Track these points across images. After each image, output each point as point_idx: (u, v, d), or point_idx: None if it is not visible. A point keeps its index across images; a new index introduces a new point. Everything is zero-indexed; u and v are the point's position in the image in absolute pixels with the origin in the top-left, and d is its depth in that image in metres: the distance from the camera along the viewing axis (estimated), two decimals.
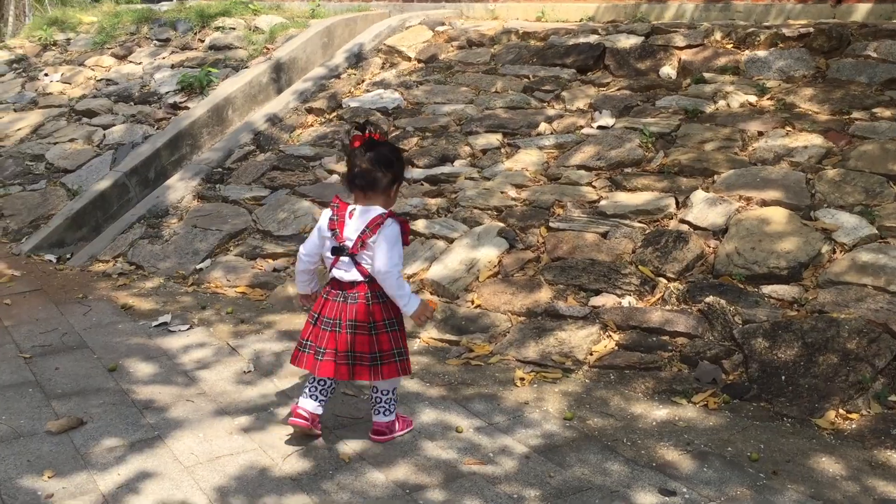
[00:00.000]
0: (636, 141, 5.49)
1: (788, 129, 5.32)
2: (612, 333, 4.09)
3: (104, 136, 7.17)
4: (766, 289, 4.14)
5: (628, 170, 5.29)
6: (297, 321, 4.49)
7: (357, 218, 3.17)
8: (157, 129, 7.04)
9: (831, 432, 3.34)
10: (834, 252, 4.25)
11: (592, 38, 6.89)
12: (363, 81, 7.27)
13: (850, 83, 5.66)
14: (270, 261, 5.25)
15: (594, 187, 5.19)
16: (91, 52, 9.06)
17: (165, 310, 4.73)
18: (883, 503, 2.91)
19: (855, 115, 5.32)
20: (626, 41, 6.69)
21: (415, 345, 4.21)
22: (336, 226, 3.18)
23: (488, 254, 4.72)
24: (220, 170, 6.37)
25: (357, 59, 7.61)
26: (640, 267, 4.43)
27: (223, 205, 5.94)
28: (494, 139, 5.93)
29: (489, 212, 5.10)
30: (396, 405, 3.38)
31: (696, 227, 4.60)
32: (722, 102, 5.81)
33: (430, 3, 9.05)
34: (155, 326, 4.50)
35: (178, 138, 6.72)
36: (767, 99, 5.76)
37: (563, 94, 6.37)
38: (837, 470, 3.10)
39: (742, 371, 3.74)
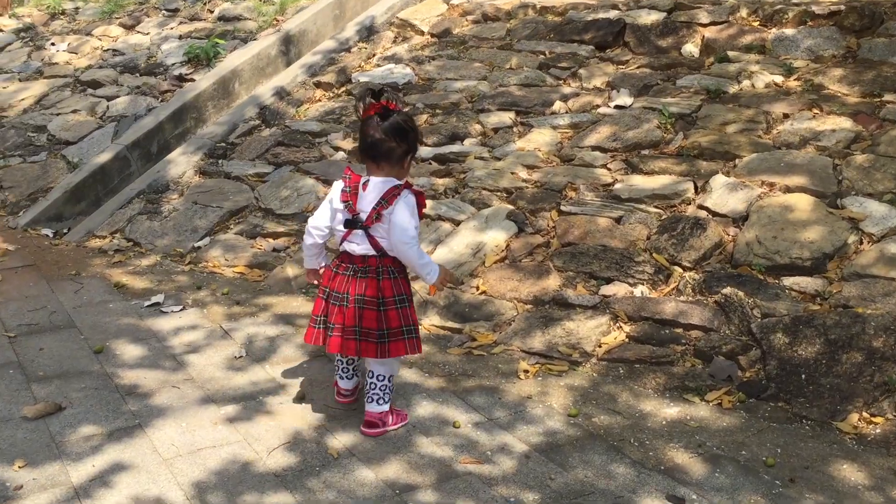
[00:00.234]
0: (654, 121, 5.25)
1: (816, 111, 5.06)
2: (622, 325, 3.88)
3: (107, 107, 6.99)
4: (788, 281, 3.91)
5: (645, 152, 5.05)
6: (294, 304, 4.30)
7: (371, 190, 3.03)
8: (162, 101, 6.85)
9: (854, 437, 3.12)
10: (861, 243, 4.01)
11: (612, 14, 6.63)
12: (374, 55, 7.04)
13: (883, 64, 5.38)
14: (271, 240, 5.06)
15: (609, 170, 4.95)
16: (99, 21, 8.87)
17: (159, 289, 4.56)
18: None
19: (887, 97, 5.05)
20: (648, 17, 6.42)
21: None
22: (349, 197, 3.05)
23: (496, 237, 4.51)
24: (223, 144, 6.18)
25: (368, 32, 7.37)
26: (654, 255, 4.20)
27: (225, 181, 5.76)
28: (507, 117, 5.69)
29: (498, 193, 4.89)
30: (392, 395, 3.21)
31: (714, 214, 4.36)
32: (746, 82, 5.54)
33: None
34: (147, 306, 4.33)
35: (182, 111, 6.53)
36: (794, 79, 5.49)
37: (580, 71, 6.12)
38: (860, 479, 2.89)
39: (759, 368, 3.52)
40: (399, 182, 3.06)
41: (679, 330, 3.79)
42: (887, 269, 3.79)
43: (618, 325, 3.88)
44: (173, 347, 3.86)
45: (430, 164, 5.39)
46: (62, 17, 9.27)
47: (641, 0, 6.80)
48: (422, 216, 3.15)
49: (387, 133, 3.02)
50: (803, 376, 3.41)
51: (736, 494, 2.79)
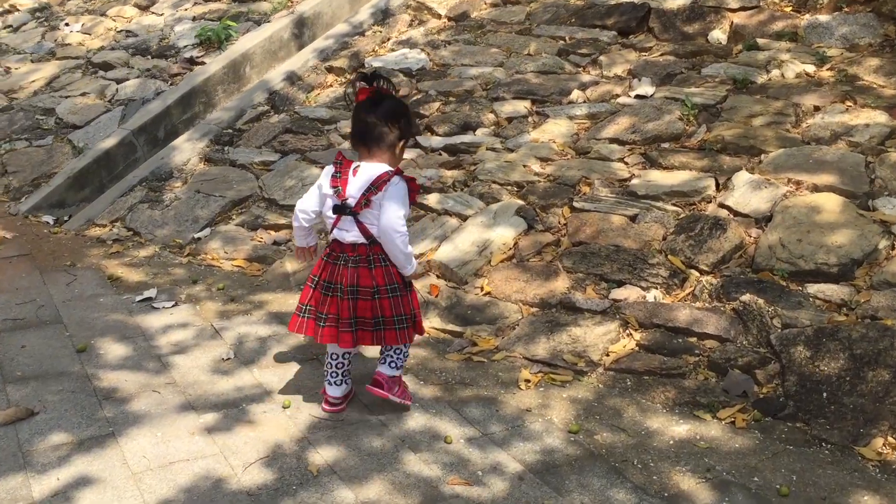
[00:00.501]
0: (676, 113, 4.97)
1: (849, 104, 4.76)
2: (632, 332, 3.65)
3: (117, 90, 6.83)
4: (812, 288, 3.65)
5: (665, 145, 4.78)
6: (291, 302, 4.11)
7: (361, 175, 2.97)
8: (171, 84, 6.68)
9: (877, 464, 2.87)
10: (893, 248, 3.73)
11: None
12: (388, 39, 6.80)
13: None
14: (272, 232, 4.88)
15: (626, 164, 4.70)
16: (114, 1, 8.71)
17: (154, 283, 4.40)
18: None
19: None
20: (674, 1, 6.12)
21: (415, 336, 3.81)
22: (338, 183, 2.99)
23: (504, 235, 4.28)
24: (230, 131, 6.00)
25: (384, 15, 7.13)
26: (669, 257, 3.95)
27: (230, 169, 5.58)
28: (522, 106, 5.44)
29: (509, 187, 4.65)
30: (405, 363, 3.21)
31: (736, 213, 4.10)
32: (775, 72, 5.24)
33: None
34: (139, 301, 4.17)
35: (190, 95, 6.35)
36: (827, 69, 5.18)
37: (601, 58, 5.85)
38: None
39: (777, 384, 3.28)
40: (390, 168, 2.99)
41: (693, 339, 3.55)
42: None
43: (627, 332, 3.65)
44: (160, 347, 3.69)
45: (440, 154, 5.16)
46: None
47: None
48: (414, 202, 3.09)
49: (378, 117, 2.98)
50: (824, 395, 3.16)
51: None
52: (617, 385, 3.39)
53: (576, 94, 5.45)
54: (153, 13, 8.22)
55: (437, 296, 4.01)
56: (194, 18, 7.78)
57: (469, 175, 4.85)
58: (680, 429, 3.10)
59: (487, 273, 4.11)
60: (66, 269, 4.58)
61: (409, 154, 5.15)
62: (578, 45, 6.05)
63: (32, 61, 7.80)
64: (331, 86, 6.40)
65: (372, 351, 3.51)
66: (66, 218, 5.49)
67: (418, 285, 4.07)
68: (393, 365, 3.18)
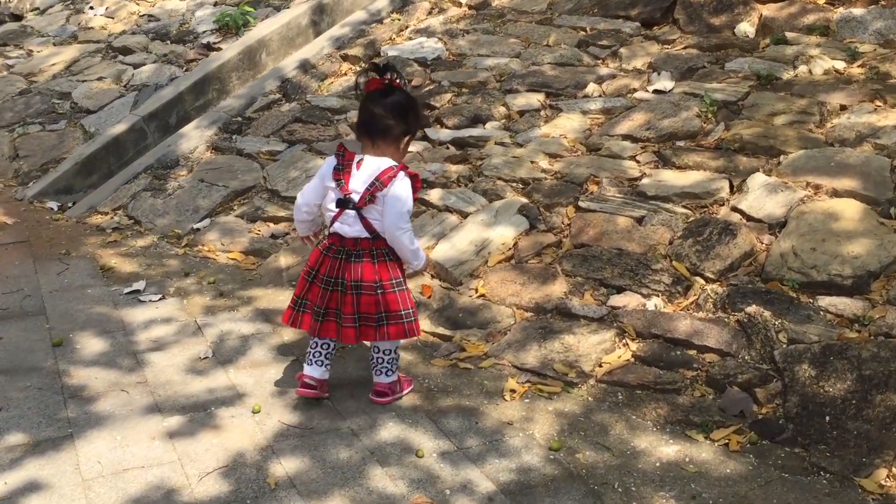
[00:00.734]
0: (694, 109, 4.73)
1: (878, 103, 4.48)
2: (629, 341, 3.45)
3: (132, 75, 6.77)
4: (823, 301, 3.41)
5: (680, 143, 4.55)
6: (280, 298, 3.98)
7: (365, 169, 2.94)
8: (186, 70, 6.59)
9: (878, 498, 2.65)
10: None
11: None
12: (406, 28, 6.63)
13: None
14: (271, 225, 4.75)
15: (637, 162, 4.48)
16: None
17: (146, 274, 4.30)
18: None
19: None
20: None
21: None
22: (341, 176, 2.95)
23: (504, 234, 4.10)
24: (239, 119, 5.89)
25: (403, 2, 6.95)
26: (674, 262, 3.74)
27: (236, 158, 5.46)
28: (535, 99, 5.24)
29: (514, 184, 4.46)
30: (398, 363, 3.19)
31: (749, 218, 3.87)
32: (803, 68, 4.97)
33: None
34: (126, 293, 4.07)
35: (204, 82, 6.25)
36: (858, 66, 4.89)
37: (622, 50, 5.61)
38: None
39: (778, 404, 3.06)
40: (395, 163, 2.95)
41: (692, 352, 3.34)
42: None
43: (624, 341, 3.46)
44: (138, 343, 3.58)
45: (448, 148, 4.98)
46: None
47: None
48: (416, 199, 3.03)
49: (386, 110, 2.93)
50: (827, 418, 2.94)
51: None
52: (607, 399, 3.20)
53: (591, 88, 5.23)
54: None
55: (429, 296, 3.86)
56: (215, 3, 7.69)
57: (474, 170, 4.67)
58: (669, 450, 2.91)
59: (483, 274, 3.94)
60: (60, 258, 4.51)
61: (416, 147, 4.99)
62: (599, 37, 5.82)
63: (55, 44, 7.78)
64: (345, 74, 6.25)
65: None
66: (70, 204, 5.43)
67: (411, 285, 3.92)
68: (389, 373, 3.15)
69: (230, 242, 4.64)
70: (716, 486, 2.71)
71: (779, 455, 2.87)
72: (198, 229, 4.84)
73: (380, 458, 2.83)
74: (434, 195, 4.48)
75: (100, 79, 6.85)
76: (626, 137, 4.67)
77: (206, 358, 3.46)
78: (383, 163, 2.93)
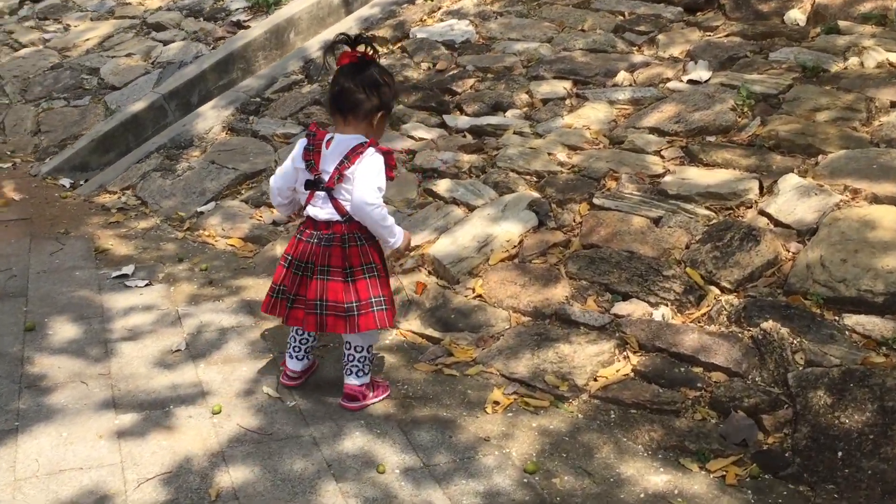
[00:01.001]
0: (730, 102, 4.37)
1: None
2: (630, 354, 3.15)
3: (161, 52, 6.65)
4: (850, 319, 3.07)
5: (711, 138, 4.21)
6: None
7: (335, 148, 2.78)
8: (213, 48, 6.44)
9: None
10: None
11: None
12: (439, 9, 6.36)
13: None
14: (273, 211, 4.55)
15: (662, 157, 4.15)
16: None
17: (140, 258, 4.15)
18: None
19: None
20: None
21: (388, 337, 3.44)
22: (311, 156, 2.80)
23: (509, 230, 3.83)
24: (257, 100, 5.71)
25: None
26: (688, 269, 3.43)
27: (251, 140, 5.29)
28: (561, 87, 4.93)
29: (527, 177, 4.18)
30: (372, 366, 2.99)
31: (776, 223, 3.53)
32: (853, 60, 4.56)
33: None
34: (113, 278, 3.92)
35: (228, 60, 6.09)
36: None
37: (659, 37, 5.26)
38: None
39: (786, 434, 2.74)
40: (365, 139, 2.79)
41: (698, 369, 3.03)
42: None
43: (624, 354, 3.16)
44: (112, 331, 3.42)
45: (465, 136, 4.71)
46: None
47: None
48: (392, 177, 2.84)
49: (357, 84, 2.76)
50: (840, 454, 2.61)
51: None
52: (598, 417, 2.92)
53: (622, 77, 4.90)
54: None
55: (421, 294, 3.61)
56: None
57: (488, 161, 4.39)
58: (658, 479, 2.62)
59: (483, 273, 3.67)
60: (57, 237, 4.39)
61: (431, 134, 4.75)
62: (637, 22, 5.47)
63: (91, 19, 7.72)
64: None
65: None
66: (82, 182, 5.32)
67: (405, 281, 3.68)
68: (360, 373, 2.96)
69: (231, 228, 4.46)
70: None
71: (780, 493, 2.55)
72: (201, 213, 4.67)
73: (337, 471, 2.60)
74: (442, 186, 4.22)
75: (128, 55, 6.75)
76: (652, 130, 4.34)
77: (179, 351, 3.28)
78: (353, 140, 2.77)
